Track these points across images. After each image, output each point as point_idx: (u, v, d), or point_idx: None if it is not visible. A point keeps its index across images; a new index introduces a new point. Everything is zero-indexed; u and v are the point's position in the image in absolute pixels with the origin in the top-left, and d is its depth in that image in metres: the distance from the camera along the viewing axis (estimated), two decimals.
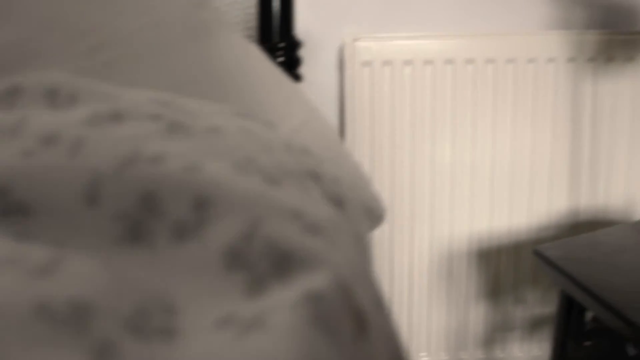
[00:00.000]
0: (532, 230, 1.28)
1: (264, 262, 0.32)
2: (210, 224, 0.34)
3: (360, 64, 1.19)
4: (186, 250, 0.33)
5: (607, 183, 1.28)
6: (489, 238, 1.28)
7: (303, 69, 1.06)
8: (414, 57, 1.19)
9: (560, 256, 0.84)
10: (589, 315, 1.02)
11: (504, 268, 1.30)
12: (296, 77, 1.04)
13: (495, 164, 1.25)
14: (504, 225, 1.28)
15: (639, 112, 1.26)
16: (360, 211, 0.57)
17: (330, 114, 1.26)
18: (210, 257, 0.32)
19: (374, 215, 0.63)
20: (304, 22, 1.17)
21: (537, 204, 1.27)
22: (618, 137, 1.27)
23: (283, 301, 0.29)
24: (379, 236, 1.26)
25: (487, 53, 1.21)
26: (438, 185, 1.25)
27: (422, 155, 1.23)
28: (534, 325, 1.34)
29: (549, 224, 1.28)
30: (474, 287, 1.30)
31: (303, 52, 1.06)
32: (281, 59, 1.01)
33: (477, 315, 1.32)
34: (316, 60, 1.23)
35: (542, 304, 1.32)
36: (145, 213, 0.34)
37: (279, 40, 1.01)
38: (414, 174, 1.24)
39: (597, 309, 0.69)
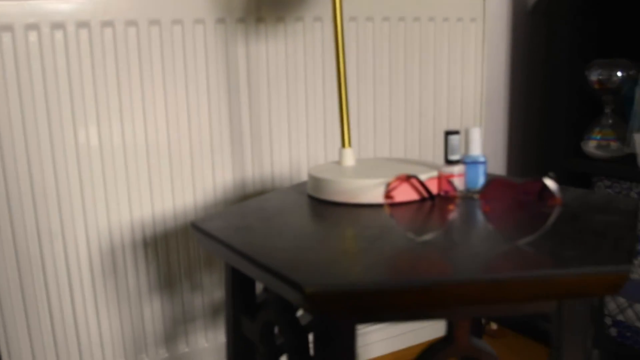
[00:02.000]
0: (200, 209, 1.19)
1: None
2: None
3: None
4: None
5: (271, 149, 1.24)
6: (153, 224, 1.16)
7: None
8: (38, 21, 1.01)
9: (219, 227, 0.75)
10: (260, 286, 0.96)
11: (175, 254, 1.19)
12: None
13: (150, 140, 1.13)
14: (169, 207, 1.16)
15: (294, 74, 1.24)
16: None
17: None
18: None
19: None
20: None
21: (201, 179, 1.18)
22: (277, 101, 1.23)
23: None
24: (21, 235, 1.06)
25: (127, 14, 1.07)
26: (87, 171, 1.09)
27: (64, 138, 1.06)
28: (215, 311, 1.25)
29: (217, 199, 1.20)
30: (144, 281, 1.17)
31: None
32: None
33: (152, 311, 1.19)
34: None
35: (220, 286, 1.24)
36: None
37: None
38: (57, 161, 1.06)
39: (261, 276, 0.61)
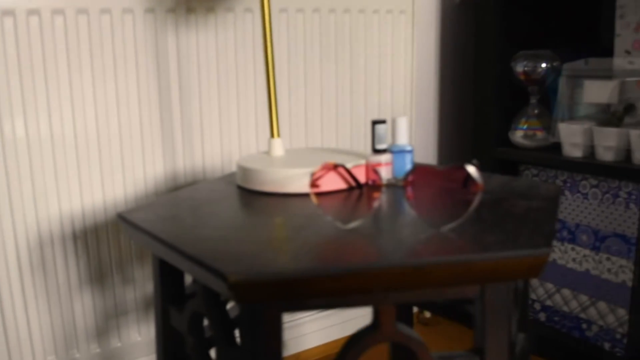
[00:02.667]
0: (130, 201, 1.17)
1: None
2: None
3: None
4: None
5: (202, 140, 1.23)
6: (83, 217, 1.13)
7: None
8: None
9: (145, 217, 0.74)
10: (190, 278, 0.95)
11: (105, 247, 1.17)
12: None
13: (79, 131, 1.10)
14: (98, 199, 1.14)
15: (225, 64, 1.23)
16: None
17: None
18: None
19: None
20: None
21: (132, 171, 1.17)
22: (207, 91, 1.22)
23: None
24: None
25: (53, 3, 1.04)
26: (13, 163, 1.06)
27: None
28: (148, 305, 1.24)
29: (147, 191, 1.19)
30: (74, 275, 1.15)
31: None
32: None
33: (83, 305, 1.17)
34: None
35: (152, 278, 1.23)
36: None
37: None
38: None
39: (187, 266, 0.61)
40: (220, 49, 1.22)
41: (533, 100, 1.44)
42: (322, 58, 1.35)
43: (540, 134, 1.43)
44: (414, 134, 1.58)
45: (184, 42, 1.18)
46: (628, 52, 1.31)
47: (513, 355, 0.74)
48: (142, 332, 1.24)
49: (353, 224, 0.67)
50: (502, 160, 1.52)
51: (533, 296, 1.48)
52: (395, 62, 1.46)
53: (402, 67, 1.48)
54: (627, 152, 1.27)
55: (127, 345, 1.23)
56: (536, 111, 1.44)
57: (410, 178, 0.67)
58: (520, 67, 1.41)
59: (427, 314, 1.64)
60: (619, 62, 1.31)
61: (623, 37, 1.32)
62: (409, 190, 0.67)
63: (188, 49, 1.19)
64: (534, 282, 1.47)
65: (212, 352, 0.88)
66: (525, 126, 1.44)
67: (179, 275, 0.79)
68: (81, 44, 1.08)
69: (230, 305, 0.91)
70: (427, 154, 1.64)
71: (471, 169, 0.64)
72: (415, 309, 1.67)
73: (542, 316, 1.46)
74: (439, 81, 1.62)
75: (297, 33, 1.31)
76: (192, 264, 0.59)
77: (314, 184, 0.67)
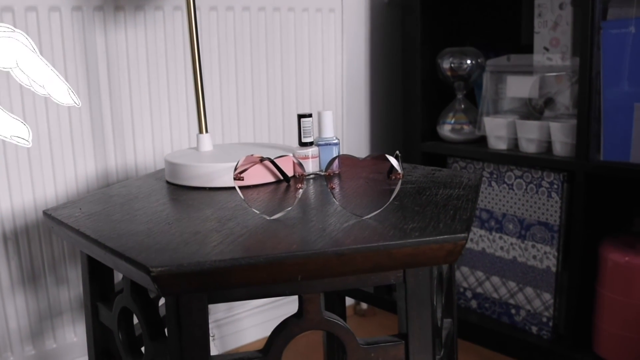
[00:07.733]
0: (61, 200, 1.16)
1: None
2: None
3: None
4: None
5: (134, 137, 1.23)
6: (13, 217, 1.12)
7: None
8: None
9: (71, 214, 0.74)
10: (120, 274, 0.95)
11: (37, 248, 1.15)
12: None
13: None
14: (29, 200, 1.13)
15: (155, 62, 1.23)
16: None
17: None
18: None
19: None
20: None
21: (62, 170, 1.16)
22: (138, 89, 1.22)
23: None
24: None
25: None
26: None
27: None
28: (82, 304, 1.23)
29: (79, 190, 1.18)
30: (5, 277, 1.13)
31: None
32: None
33: (16, 307, 1.15)
34: None
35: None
36: None
37: None
38: None
39: (111, 260, 0.61)
40: (150, 47, 1.22)
41: (459, 95, 1.49)
42: (252, 55, 1.36)
43: (467, 128, 1.47)
44: (345, 128, 1.60)
45: (112, 40, 1.18)
46: (546, 49, 1.36)
47: (439, 340, 0.76)
48: (77, 332, 1.23)
49: (277, 215, 0.68)
50: (430, 153, 1.56)
51: (465, 284, 1.52)
52: (325, 59, 1.49)
53: (332, 64, 1.50)
54: (548, 144, 1.32)
55: (63, 345, 1.22)
56: (463, 106, 1.48)
57: (332, 168, 0.69)
58: (446, 64, 1.45)
59: (364, 306, 1.67)
60: (539, 58, 1.36)
61: (541, 35, 1.37)
62: (331, 180, 0.69)
63: (117, 47, 1.18)
64: (465, 270, 1.52)
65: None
66: (452, 120, 1.49)
67: (108, 271, 0.79)
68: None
69: (162, 302, 0.91)
70: (359, 148, 1.66)
71: (391, 159, 0.66)
72: (352, 301, 1.70)
73: (473, 303, 1.51)
74: (369, 77, 1.65)
75: (228, 31, 1.32)
76: (116, 258, 0.60)
77: (237, 177, 0.68)
